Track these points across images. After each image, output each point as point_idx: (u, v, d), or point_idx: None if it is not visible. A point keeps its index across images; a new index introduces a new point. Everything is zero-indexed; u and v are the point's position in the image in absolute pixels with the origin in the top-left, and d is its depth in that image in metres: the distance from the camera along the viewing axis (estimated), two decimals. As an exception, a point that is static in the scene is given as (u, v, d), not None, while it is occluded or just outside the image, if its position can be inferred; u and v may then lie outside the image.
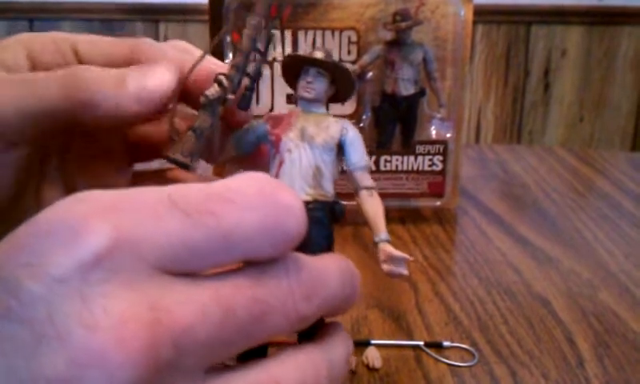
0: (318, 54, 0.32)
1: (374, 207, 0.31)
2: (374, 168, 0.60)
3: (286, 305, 0.22)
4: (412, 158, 0.61)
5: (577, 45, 1.67)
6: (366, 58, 0.60)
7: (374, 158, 0.61)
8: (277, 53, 0.58)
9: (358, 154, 0.32)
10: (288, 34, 0.58)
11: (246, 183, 0.22)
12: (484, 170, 0.76)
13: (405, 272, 0.30)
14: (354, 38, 0.60)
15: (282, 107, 0.59)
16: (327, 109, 0.33)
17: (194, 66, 0.31)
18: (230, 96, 0.30)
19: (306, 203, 0.29)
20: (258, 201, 0.22)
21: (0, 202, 0.31)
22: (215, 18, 0.58)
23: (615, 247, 0.57)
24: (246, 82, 0.31)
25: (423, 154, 0.61)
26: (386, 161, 0.61)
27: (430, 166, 0.61)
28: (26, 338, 0.18)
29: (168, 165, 0.31)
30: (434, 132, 0.62)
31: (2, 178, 0.31)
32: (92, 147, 0.35)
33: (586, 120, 1.72)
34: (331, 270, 0.25)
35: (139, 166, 0.38)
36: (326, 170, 0.31)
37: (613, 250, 0.56)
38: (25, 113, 0.29)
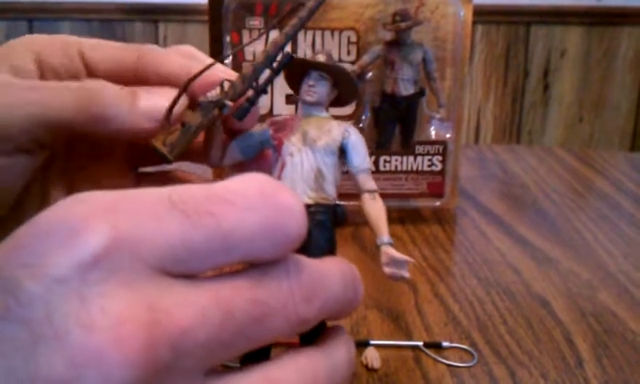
0: (320, 58, 0.32)
1: (376, 210, 0.31)
2: (373, 168, 0.61)
3: (287, 307, 0.22)
4: (411, 159, 0.61)
5: (576, 45, 1.67)
6: (365, 59, 0.60)
7: (373, 158, 0.61)
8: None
9: (360, 157, 0.32)
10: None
11: (246, 184, 0.22)
12: (483, 171, 0.76)
13: (407, 275, 0.30)
14: (353, 39, 0.60)
15: (281, 107, 0.59)
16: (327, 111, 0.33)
17: (200, 73, 0.31)
18: (229, 102, 0.30)
19: (308, 206, 0.29)
20: (259, 202, 0.22)
21: (6, 206, 0.32)
22: (215, 18, 0.58)
23: (614, 248, 0.57)
24: (249, 93, 0.31)
25: (423, 155, 0.61)
26: (385, 161, 0.61)
27: (429, 166, 0.61)
28: (24, 338, 0.18)
29: (172, 167, 0.31)
30: (433, 132, 0.62)
31: (10, 182, 0.31)
32: (95, 151, 0.35)
33: (585, 120, 1.72)
34: (333, 272, 0.25)
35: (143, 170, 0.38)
36: (328, 173, 0.31)
37: (612, 251, 0.56)
38: (36, 119, 0.30)
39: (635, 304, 0.48)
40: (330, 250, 0.30)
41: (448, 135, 0.62)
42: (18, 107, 0.29)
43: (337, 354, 0.25)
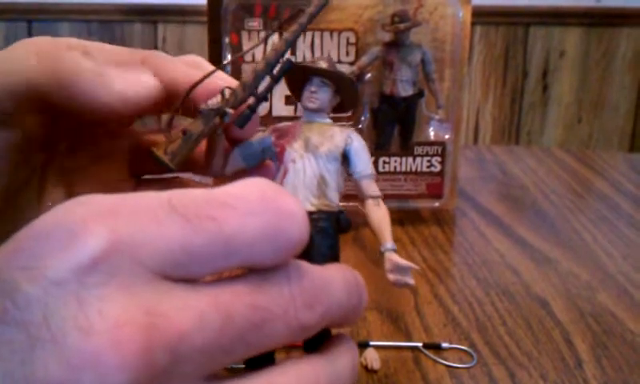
0: (322, 64, 0.32)
1: (379, 216, 0.31)
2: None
3: (287, 313, 0.22)
4: (410, 159, 0.61)
5: (575, 46, 1.67)
6: (364, 60, 0.60)
7: (372, 159, 0.61)
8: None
9: (363, 163, 0.32)
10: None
11: (247, 189, 0.22)
12: (482, 171, 0.76)
13: (411, 281, 0.30)
14: (352, 40, 0.60)
15: (280, 109, 0.59)
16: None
17: (201, 80, 0.31)
18: (230, 110, 0.30)
19: (311, 213, 0.28)
20: (260, 206, 0.21)
21: None
22: (214, 19, 0.58)
23: (613, 248, 0.57)
24: (250, 101, 0.31)
25: (421, 155, 0.61)
26: (384, 162, 0.61)
27: (428, 167, 0.61)
28: (21, 341, 0.18)
29: (174, 174, 0.31)
30: (432, 133, 0.62)
31: None
32: (96, 152, 0.35)
33: (584, 121, 1.72)
34: (335, 279, 0.24)
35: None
36: (331, 179, 0.30)
37: (611, 252, 0.56)
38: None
39: (634, 305, 0.48)
40: (332, 257, 0.30)
41: (447, 136, 0.62)
42: None
43: (340, 361, 0.25)
